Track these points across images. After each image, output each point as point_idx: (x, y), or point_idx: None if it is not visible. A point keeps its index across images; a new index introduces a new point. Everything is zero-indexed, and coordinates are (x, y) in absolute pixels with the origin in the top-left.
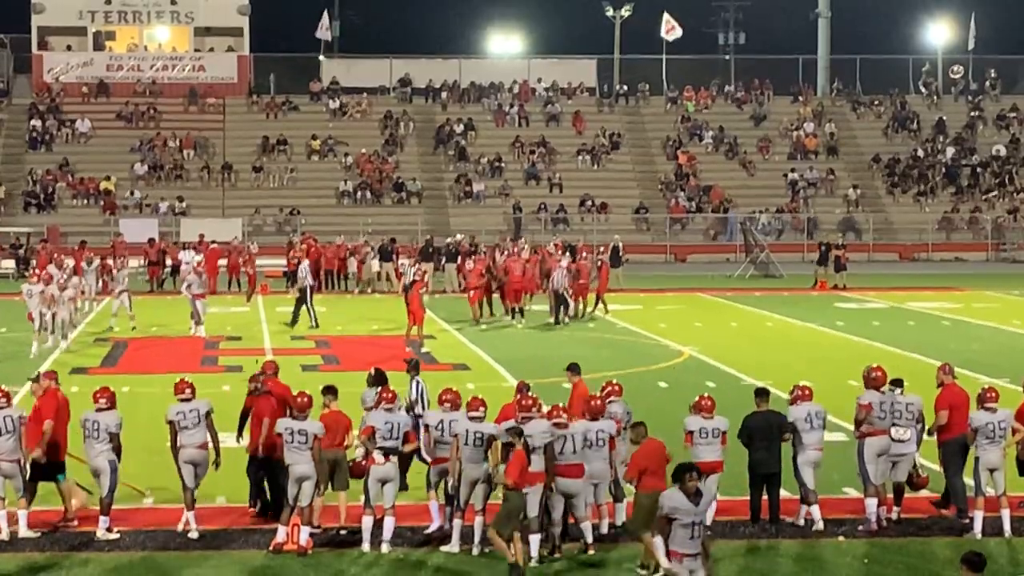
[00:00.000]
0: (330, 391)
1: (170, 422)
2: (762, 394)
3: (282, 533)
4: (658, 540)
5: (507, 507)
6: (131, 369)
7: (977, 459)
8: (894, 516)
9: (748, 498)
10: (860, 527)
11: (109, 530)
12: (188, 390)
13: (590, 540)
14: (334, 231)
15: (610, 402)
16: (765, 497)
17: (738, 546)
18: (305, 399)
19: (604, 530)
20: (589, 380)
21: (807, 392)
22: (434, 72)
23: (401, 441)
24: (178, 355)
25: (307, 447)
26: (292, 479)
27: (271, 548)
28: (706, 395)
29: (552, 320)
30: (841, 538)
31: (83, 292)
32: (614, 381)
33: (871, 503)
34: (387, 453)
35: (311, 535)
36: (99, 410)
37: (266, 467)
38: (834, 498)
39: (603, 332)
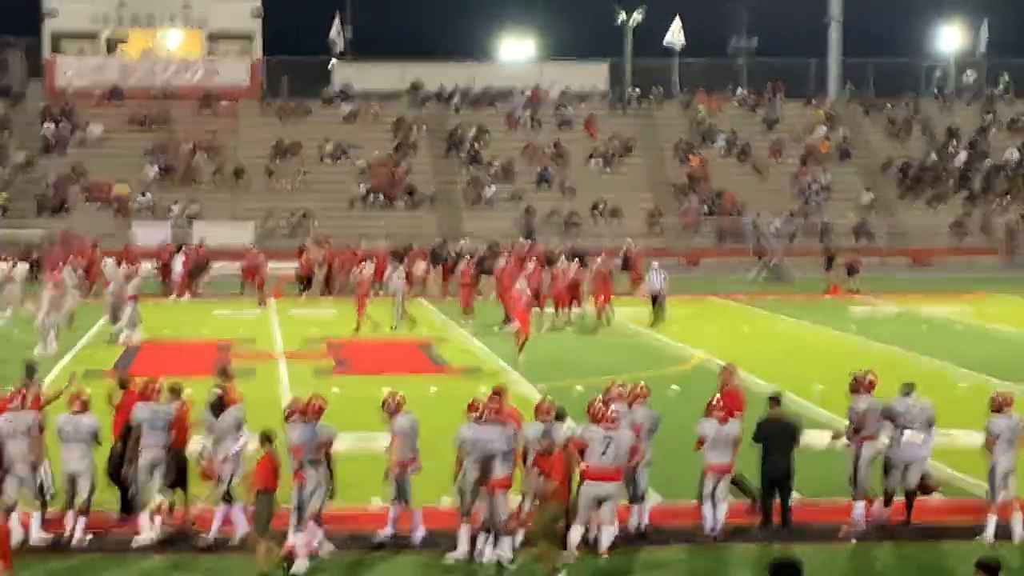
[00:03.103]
0: (174, 390)
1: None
2: (775, 399)
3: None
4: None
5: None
6: (145, 371)
7: (994, 465)
8: (906, 521)
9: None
10: (843, 531)
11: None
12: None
13: (606, 545)
14: (346, 235)
15: (633, 405)
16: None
17: (749, 550)
18: (318, 403)
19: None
20: (604, 383)
21: None
22: (446, 76)
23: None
24: (191, 358)
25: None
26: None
27: (283, 551)
28: (717, 398)
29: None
30: (853, 541)
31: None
32: (642, 384)
33: (860, 507)
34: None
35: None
36: (75, 413)
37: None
38: (849, 502)
39: (615, 336)
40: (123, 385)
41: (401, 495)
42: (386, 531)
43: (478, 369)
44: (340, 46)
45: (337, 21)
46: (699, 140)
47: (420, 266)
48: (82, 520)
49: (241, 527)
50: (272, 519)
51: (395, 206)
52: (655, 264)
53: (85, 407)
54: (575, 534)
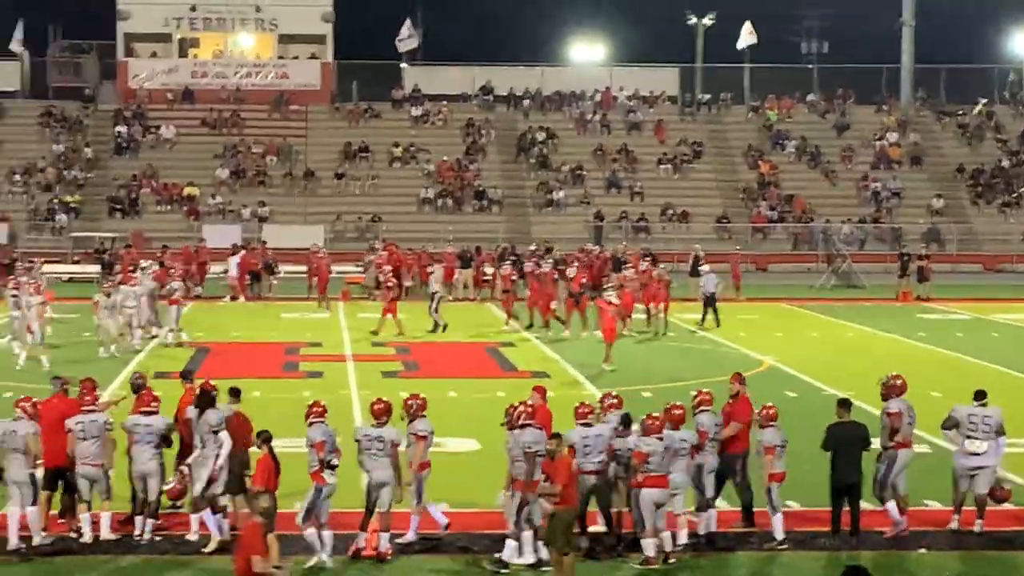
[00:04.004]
0: (234, 393)
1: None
2: (844, 404)
3: (361, 539)
4: None
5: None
6: (213, 374)
7: None
8: (977, 529)
9: (829, 509)
10: (890, 532)
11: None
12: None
13: (651, 554)
14: (415, 238)
15: (700, 412)
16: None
17: (817, 557)
18: (382, 406)
19: (683, 540)
20: (668, 389)
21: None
22: (516, 80)
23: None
24: (259, 361)
25: (385, 454)
26: (372, 485)
27: (349, 553)
28: (771, 405)
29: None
30: (923, 550)
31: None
32: (705, 390)
33: (892, 505)
34: (333, 466)
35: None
36: (146, 413)
37: None
38: (916, 510)
39: (683, 341)
40: (137, 390)
41: (419, 497)
42: (410, 535)
43: (546, 374)
44: (413, 44)
45: (408, 24)
46: (769, 145)
47: (488, 270)
48: (151, 521)
49: (215, 533)
50: (273, 519)
51: (464, 209)
52: (706, 267)
53: (156, 408)
54: (649, 545)
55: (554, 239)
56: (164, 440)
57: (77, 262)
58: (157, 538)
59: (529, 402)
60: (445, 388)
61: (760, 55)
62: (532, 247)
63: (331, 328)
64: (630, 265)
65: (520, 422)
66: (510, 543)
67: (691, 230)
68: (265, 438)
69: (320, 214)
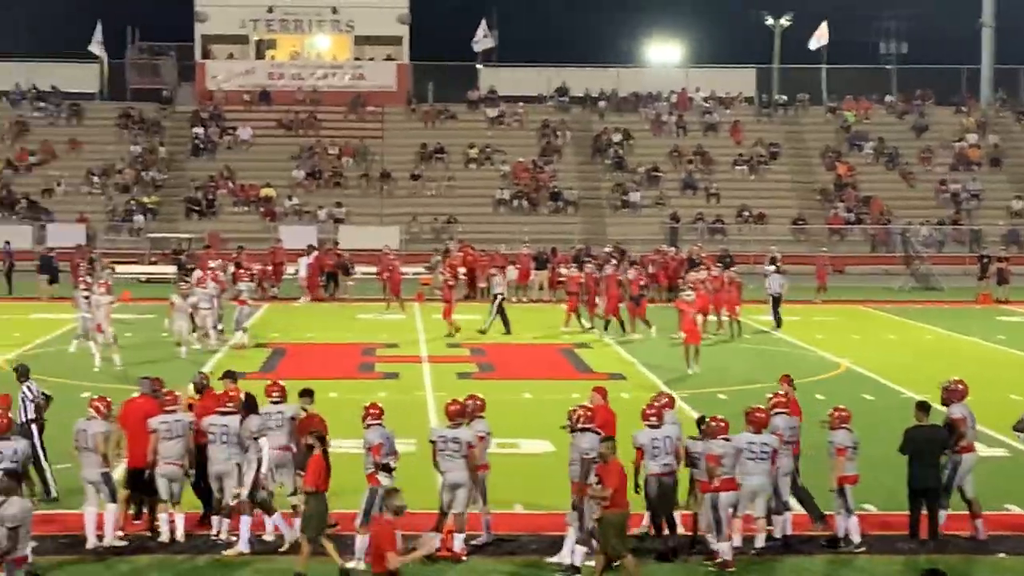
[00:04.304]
0: (307, 394)
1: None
2: (923, 408)
3: (436, 540)
4: None
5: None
6: (289, 375)
7: None
8: None
9: (906, 513)
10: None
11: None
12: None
13: (728, 557)
14: (490, 240)
15: (775, 414)
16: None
17: (893, 561)
18: (457, 407)
19: (760, 544)
20: (744, 392)
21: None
22: (592, 81)
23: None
24: (335, 361)
25: (460, 455)
26: (446, 486)
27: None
28: (843, 407)
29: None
30: (1002, 555)
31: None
32: (780, 392)
33: (943, 515)
34: (389, 469)
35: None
36: (224, 414)
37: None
38: (996, 514)
39: (759, 343)
40: (200, 390)
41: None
42: (483, 537)
43: (622, 375)
44: (489, 45)
45: (484, 25)
46: (846, 146)
47: (564, 271)
48: (227, 521)
49: (243, 542)
50: (325, 521)
51: (539, 211)
52: (771, 268)
53: (233, 408)
54: (725, 548)
55: (629, 241)
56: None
57: (154, 263)
58: (232, 538)
59: (588, 404)
60: (520, 389)
61: (838, 56)
62: (607, 249)
63: (407, 329)
64: (703, 267)
65: (579, 426)
66: (578, 548)
67: (767, 232)
68: (318, 436)
69: (396, 215)
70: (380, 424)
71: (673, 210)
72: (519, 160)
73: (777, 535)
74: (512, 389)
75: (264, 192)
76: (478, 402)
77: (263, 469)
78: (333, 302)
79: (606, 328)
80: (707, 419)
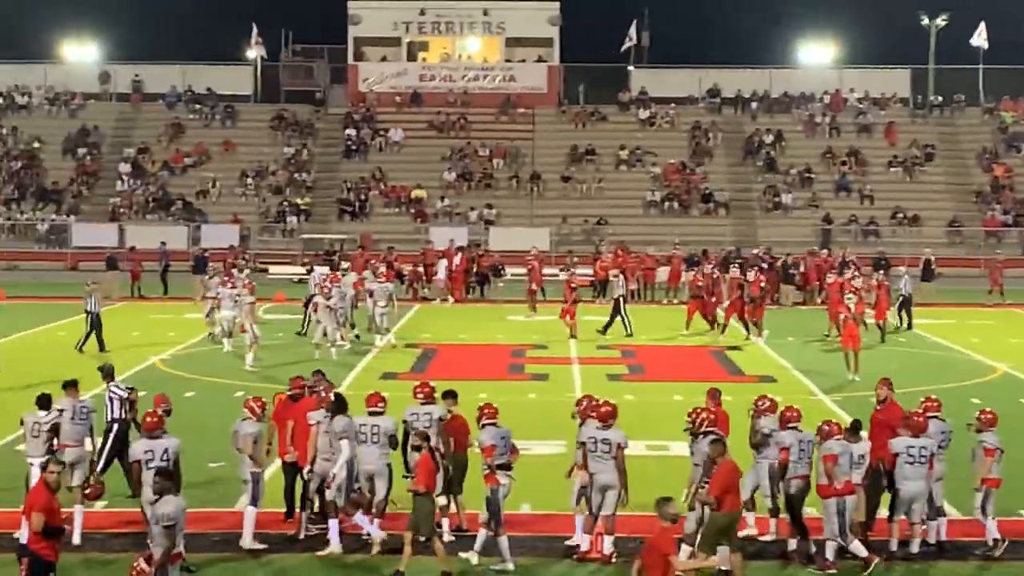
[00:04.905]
0: (451, 395)
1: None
2: None
3: (586, 542)
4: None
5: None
6: (440, 375)
7: None
8: None
9: None
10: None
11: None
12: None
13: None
14: (640, 241)
15: (928, 418)
16: None
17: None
18: (608, 408)
19: (915, 549)
20: (900, 395)
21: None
22: (743, 82)
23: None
24: (486, 362)
25: (611, 456)
26: (595, 487)
27: (575, 557)
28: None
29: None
30: None
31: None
32: (933, 397)
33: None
34: (508, 467)
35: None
36: (374, 414)
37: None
38: None
39: (913, 346)
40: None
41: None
42: (576, 538)
43: (773, 379)
44: (640, 45)
45: (635, 26)
46: (1004, 148)
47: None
48: (377, 521)
49: (334, 543)
50: (433, 521)
51: (690, 212)
52: (901, 269)
53: (383, 408)
54: (828, 549)
55: (781, 243)
56: (391, 441)
57: (307, 264)
58: (383, 535)
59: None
60: (670, 392)
61: (995, 56)
62: (756, 250)
63: (557, 331)
64: (854, 271)
65: (703, 429)
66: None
67: (922, 234)
68: (426, 437)
69: (546, 217)
70: (494, 424)
71: (825, 212)
72: (670, 162)
73: (932, 540)
74: (662, 391)
75: (415, 193)
76: (490, 410)
77: (343, 472)
78: (484, 303)
79: (723, 332)
80: (822, 423)
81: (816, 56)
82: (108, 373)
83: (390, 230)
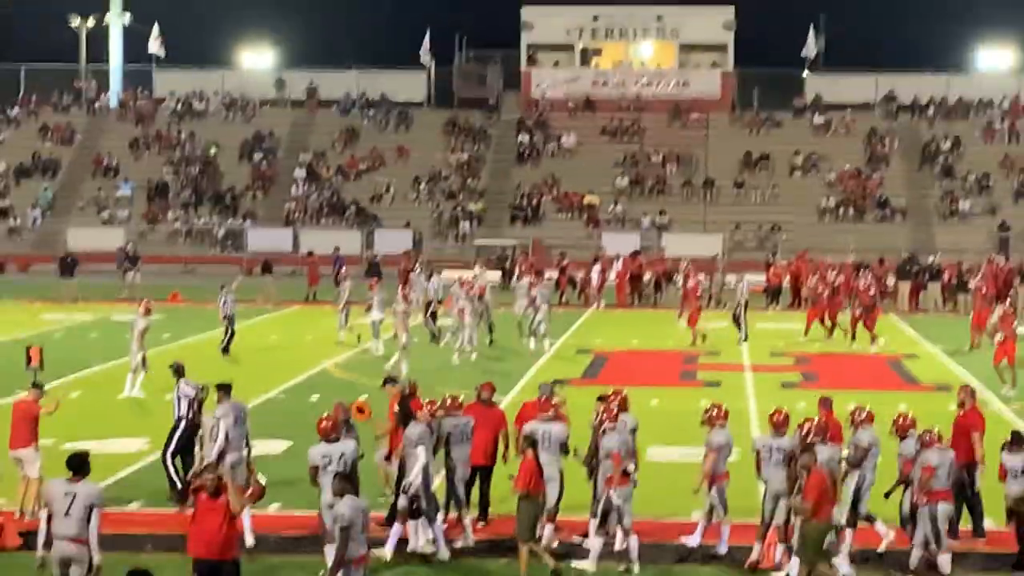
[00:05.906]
0: (604, 400)
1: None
2: None
3: (756, 551)
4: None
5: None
6: (610, 381)
7: None
8: None
9: None
10: None
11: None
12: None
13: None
14: (815, 248)
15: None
16: None
17: None
18: (781, 416)
19: None
20: None
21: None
22: (920, 88)
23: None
24: (657, 369)
25: (784, 464)
26: (769, 495)
27: (747, 565)
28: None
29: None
30: None
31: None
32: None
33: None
34: (627, 473)
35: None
36: (547, 420)
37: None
38: None
39: None
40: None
41: (714, 508)
42: (692, 540)
43: (949, 387)
44: (816, 51)
45: (812, 32)
46: None
47: (890, 281)
48: (550, 526)
49: (388, 547)
50: (535, 524)
51: (865, 219)
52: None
53: (556, 415)
54: (914, 556)
55: (958, 250)
56: (563, 447)
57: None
58: (556, 542)
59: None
60: (845, 400)
61: None
62: (931, 258)
63: (729, 337)
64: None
65: (809, 439)
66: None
67: None
68: (531, 442)
69: (719, 223)
70: (615, 428)
71: (1003, 219)
72: (845, 168)
73: None
74: (837, 400)
75: (588, 199)
76: (723, 411)
77: (417, 480)
78: (656, 309)
79: (830, 335)
80: (922, 432)
81: (994, 62)
82: (179, 371)
83: (562, 236)
